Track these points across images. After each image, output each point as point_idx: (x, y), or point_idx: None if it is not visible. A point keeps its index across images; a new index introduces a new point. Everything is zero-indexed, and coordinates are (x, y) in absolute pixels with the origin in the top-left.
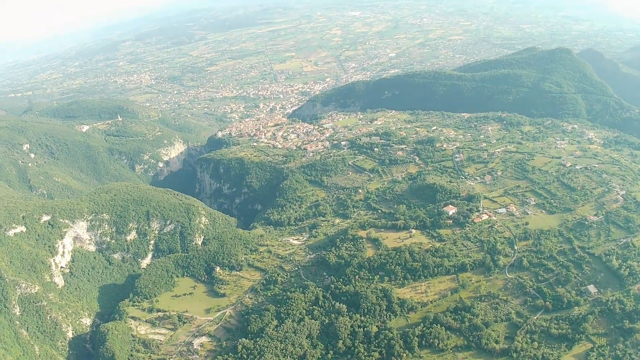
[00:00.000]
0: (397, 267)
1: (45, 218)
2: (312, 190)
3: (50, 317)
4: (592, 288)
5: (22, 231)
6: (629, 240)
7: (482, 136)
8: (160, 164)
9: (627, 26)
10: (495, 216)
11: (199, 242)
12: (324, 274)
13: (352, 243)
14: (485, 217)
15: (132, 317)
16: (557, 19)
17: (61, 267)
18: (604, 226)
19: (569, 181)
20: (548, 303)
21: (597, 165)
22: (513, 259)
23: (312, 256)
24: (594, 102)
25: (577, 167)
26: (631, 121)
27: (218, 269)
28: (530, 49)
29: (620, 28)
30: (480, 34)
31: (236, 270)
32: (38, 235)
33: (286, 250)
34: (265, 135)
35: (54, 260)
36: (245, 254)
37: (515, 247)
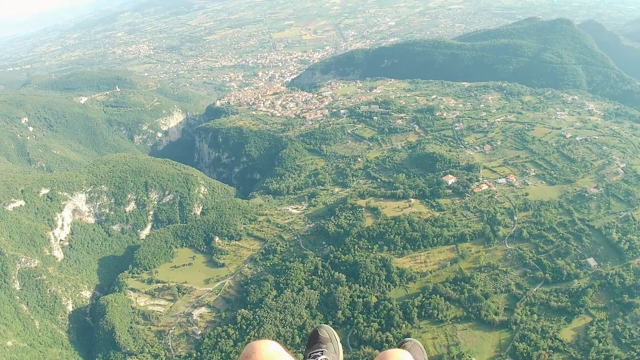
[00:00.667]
0: (397, 236)
1: (44, 191)
2: (311, 159)
3: (50, 291)
4: (591, 261)
5: (21, 205)
6: (629, 213)
7: (482, 105)
8: (159, 134)
9: None
10: (495, 186)
11: (198, 212)
12: (323, 243)
13: (351, 212)
14: (485, 187)
15: (132, 289)
16: None
17: (60, 240)
18: (604, 199)
19: (569, 152)
20: (548, 275)
21: (597, 137)
22: (513, 230)
23: (311, 225)
24: (594, 74)
25: (577, 138)
26: (632, 93)
27: (217, 239)
28: (530, 19)
29: (621, 0)
30: (481, 3)
31: (235, 240)
32: (37, 208)
33: (285, 219)
34: (264, 104)
35: (53, 233)
36: (244, 224)
37: (515, 218)
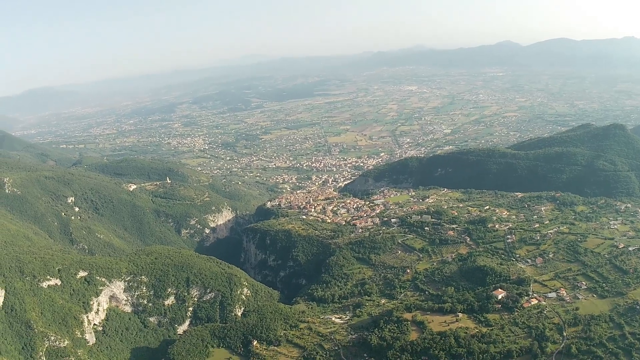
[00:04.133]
0: (441, 352)
1: (82, 274)
2: (359, 267)
3: None
4: None
5: (56, 284)
6: None
7: (534, 216)
8: (207, 230)
9: None
10: (544, 301)
11: (239, 313)
12: (365, 355)
13: (396, 325)
14: (534, 301)
15: None
16: (610, 94)
17: (94, 324)
18: None
19: (622, 263)
20: None
21: None
22: (561, 346)
23: (353, 336)
24: None
25: (630, 248)
26: None
27: (255, 342)
28: (584, 126)
29: None
30: (535, 111)
31: (274, 346)
32: (73, 290)
33: (327, 328)
34: (315, 208)
35: (87, 316)
36: (284, 329)
37: (564, 334)
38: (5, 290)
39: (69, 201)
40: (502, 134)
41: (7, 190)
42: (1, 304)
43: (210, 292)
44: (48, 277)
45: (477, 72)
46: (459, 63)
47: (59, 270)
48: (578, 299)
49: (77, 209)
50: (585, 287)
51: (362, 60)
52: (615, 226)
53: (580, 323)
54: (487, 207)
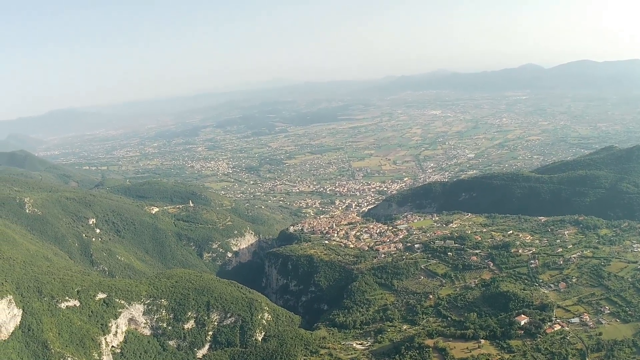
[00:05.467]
0: None
1: (101, 296)
2: (381, 293)
3: None
4: None
5: (75, 305)
6: None
7: (558, 241)
8: (229, 254)
9: None
10: (567, 326)
11: (259, 338)
12: None
13: (417, 351)
14: (557, 327)
15: None
16: (633, 116)
17: (112, 346)
18: None
19: None
20: None
21: None
22: None
23: None
24: None
25: None
26: None
27: None
28: (607, 148)
29: None
30: (558, 134)
31: None
32: (91, 311)
33: (348, 354)
34: (337, 233)
35: (105, 338)
36: (305, 355)
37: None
38: (23, 310)
39: (90, 223)
40: (526, 158)
41: (27, 210)
42: (18, 323)
43: (230, 317)
44: (67, 298)
45: (501, 95)
46: (482, 86)
47: (77, 291)
48: (601, 323)
49: (98, 231)
50: (609, 311)
51: (386, 85)
52: (639, 249)
53: (603, 348)
54: (511, 231)
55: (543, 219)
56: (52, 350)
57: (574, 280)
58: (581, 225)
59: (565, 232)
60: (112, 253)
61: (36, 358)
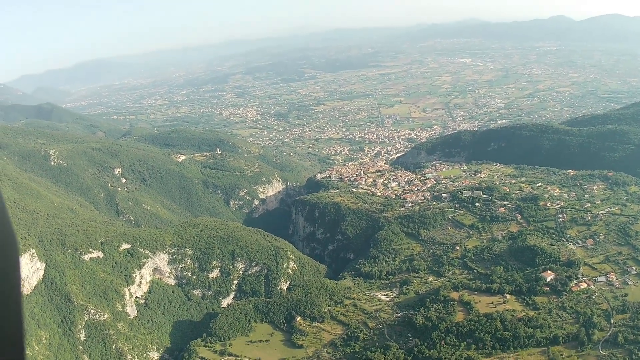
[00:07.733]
0: (487, 335)
1: (125, 246)
2: (408, 243)
3: (115, 346)
4: None
5: (98, 257)
6: None
7: (586, 195)
8: (256, 202)
9: None
10: (593, 285)
11: (284, 288)
12: (409, 335)
13: (442, 304)
14: (583, 285)
15: (201, 358)
16: None
17: (136, 297)
18: None
19: None
20: None
21: None
22: (608, 334)
23: (399, 315)
24: None
25: None
26: None
27: (299, 318)
28: (637, 104)
29: None
30: (588, 87)
31: (318, 322)
32: (115, 262)
33: (373, 305)
34: (365, 181)
35: (129, 289)
36: (329, 306)
37: (612, 321)
38: (46, 264)
39: (116, 172)
40: (556, 109)
41: (52, 163)
42: (41, 277)
43: (255, 266)
44: (90, 249)
45: (531, 46)
46: (512, 36)
47: (101, 242)
48: (627, 284)
49: (124, 180)
50: (635, 272)
51: (416, 32)
52: None
53: (628, 310)
54: (539, 184)
55: (572, 172)
56: (75, 303)
57: (601, 237)
58: (610, 181)
59: (594, 187)
60: (138, 202)
61: (59, 311)
